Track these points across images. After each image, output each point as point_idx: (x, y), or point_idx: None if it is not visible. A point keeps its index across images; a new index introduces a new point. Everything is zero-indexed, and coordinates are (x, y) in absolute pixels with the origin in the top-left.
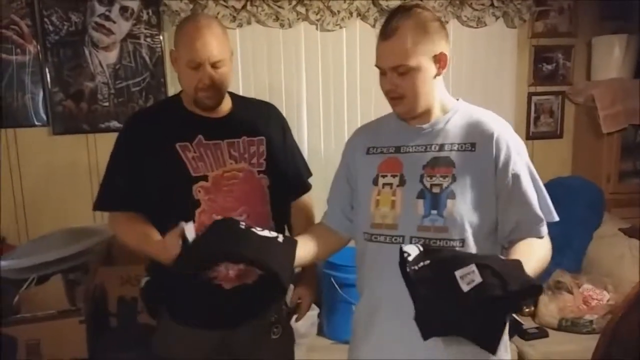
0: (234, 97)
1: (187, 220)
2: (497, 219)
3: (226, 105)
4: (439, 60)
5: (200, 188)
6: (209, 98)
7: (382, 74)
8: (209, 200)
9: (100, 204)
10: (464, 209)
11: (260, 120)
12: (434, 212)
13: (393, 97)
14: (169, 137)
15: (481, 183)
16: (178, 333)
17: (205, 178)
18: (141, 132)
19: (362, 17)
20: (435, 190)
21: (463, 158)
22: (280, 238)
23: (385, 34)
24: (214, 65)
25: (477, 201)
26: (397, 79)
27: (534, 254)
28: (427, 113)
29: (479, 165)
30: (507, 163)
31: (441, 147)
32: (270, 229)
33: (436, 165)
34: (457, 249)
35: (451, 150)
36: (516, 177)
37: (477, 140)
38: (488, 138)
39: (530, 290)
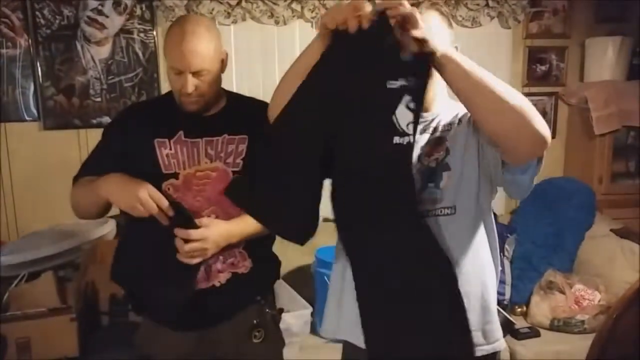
0: (230, 95)
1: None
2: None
3: (218, 104)
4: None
5: (170, 186)
6: (191, 104)
7: None
8: (178, 198)
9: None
10: (458, 179)
11: (247, 118)
12: (431, 184)
13: None
14: (151, 132)
15: (467, 148)
16: (155, 332)
17: (176, 176)
18: (126, 124)
19: None
20: (432, 164)
21: (452, 132)
22: None
23: None
24: (197, 74)
25: (466, 167)
26: None
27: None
28: (429, 104)
29: (462, 132)
30: None
31: (435, 130)
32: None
33: (430, 144)
34: (449, 216)
35: (444, 130)
36: None
37: (460, 113)
38: None
39: None
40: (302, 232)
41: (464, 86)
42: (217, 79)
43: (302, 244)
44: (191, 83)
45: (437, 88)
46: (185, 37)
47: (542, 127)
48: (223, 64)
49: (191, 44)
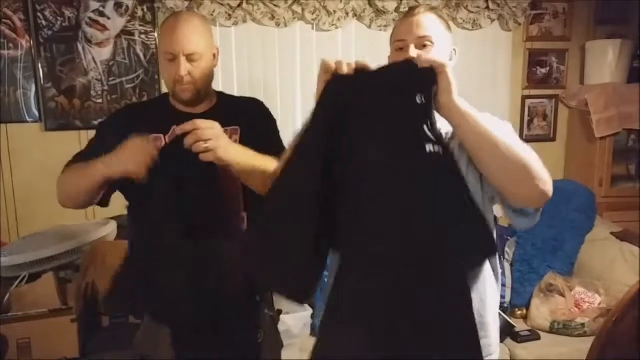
0: (221, 95)
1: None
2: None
3: (210, 102)
4: (452, 55)
5: None
6: (184, 91)
7: (400, 49)
8: None
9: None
10: None
11: (238, 113)
12: None
13: None
14: (146, 128)
15: (468, 160)
16: (155, 333)
17: None
18: (122, 121)
19: (358, 17)
20: None
21: (457, 141)
22: None
23: (412, 13)
24: (189, 58)
25: (469, 177)
26: (420, 51)
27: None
28: None
29: None
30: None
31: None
32: (241, 219)
33: None
34: None
35: (449, 139)
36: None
37: None
38: None
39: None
40: (303, 291)
41: (467, 137)
42: (209, 70)
43: (301, 303)
44: (184, 67)
45: None
46: (179, 23)
47: (544, 182)
48: (215, 58)
49: (185, 28)
